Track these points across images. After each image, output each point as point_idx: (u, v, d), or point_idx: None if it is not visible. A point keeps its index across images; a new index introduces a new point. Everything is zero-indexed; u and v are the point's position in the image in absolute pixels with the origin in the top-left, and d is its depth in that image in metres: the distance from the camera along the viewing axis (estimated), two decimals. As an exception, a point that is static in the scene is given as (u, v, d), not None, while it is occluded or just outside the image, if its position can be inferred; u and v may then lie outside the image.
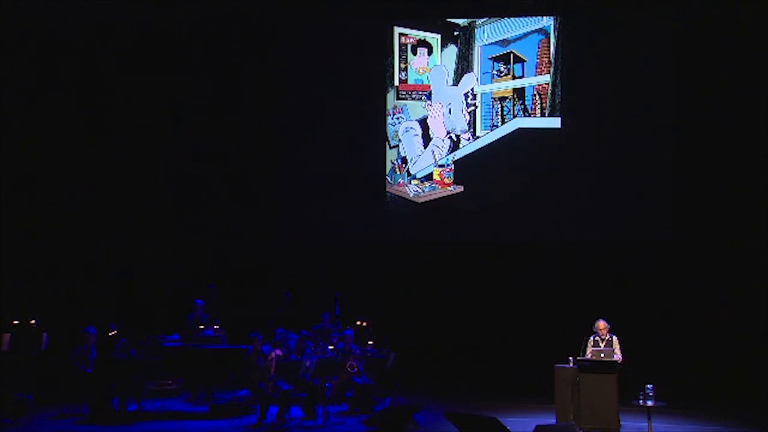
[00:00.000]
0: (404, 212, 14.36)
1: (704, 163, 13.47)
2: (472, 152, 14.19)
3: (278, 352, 10.77)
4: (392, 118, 14.43)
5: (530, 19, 14.04)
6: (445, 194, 14.25)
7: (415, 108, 14.40)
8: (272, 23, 14.63)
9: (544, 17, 14.00)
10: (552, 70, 13.94)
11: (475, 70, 14.17)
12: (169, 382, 12.08)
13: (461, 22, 14.23)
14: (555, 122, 13.93)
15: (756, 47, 13.23)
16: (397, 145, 14.41)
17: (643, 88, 13.76)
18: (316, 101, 14.63)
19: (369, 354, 11.75)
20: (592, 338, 10.30)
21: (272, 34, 14.67)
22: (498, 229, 14.07)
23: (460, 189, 14.19)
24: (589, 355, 10.14)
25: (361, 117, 14.50)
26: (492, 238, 14.06)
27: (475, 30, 14.21)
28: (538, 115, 14.02)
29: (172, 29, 14.31)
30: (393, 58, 14.41)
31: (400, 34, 14.40)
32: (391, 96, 14.43)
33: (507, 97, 14.12)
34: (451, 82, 14.24)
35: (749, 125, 13.35)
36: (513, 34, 14.10)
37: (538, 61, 14.03)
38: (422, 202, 14.32)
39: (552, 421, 10.10)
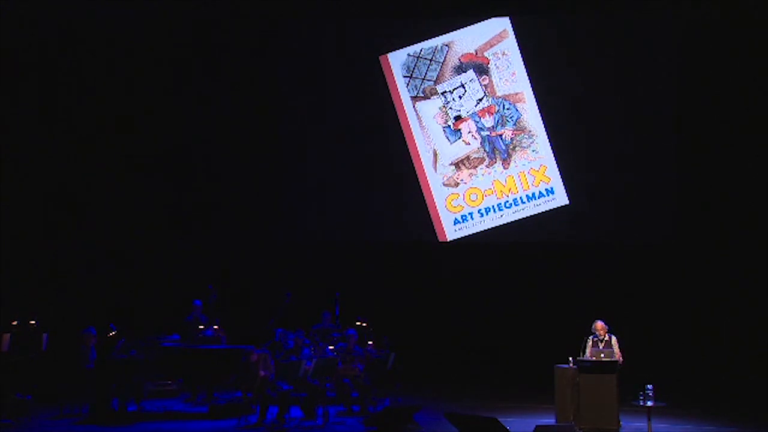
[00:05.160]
0: (406, 213, 14.37)
1: (704, 165, 13.48)
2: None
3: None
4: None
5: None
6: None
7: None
8: (281, 23, 14.64)
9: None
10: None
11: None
12: (169, 382, 12.07)
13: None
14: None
15: (756, 47, 13.24)
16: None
17: (643, 89, 13.77)
18: (316, 101, 14.64)
19: (369, 354, 11.75)
20: (591, 339, 10.30)
21: (272, 36, 14.70)
22: (498, 229, 14.07)
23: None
24: (588, 356, 10.15)
25: (361, 119, 14.51)
26: (492, 238, 14.06)
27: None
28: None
29: (186, 34, 14.39)
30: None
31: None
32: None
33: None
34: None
35: (749, 126, 13.36)
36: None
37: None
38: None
39: (552, 421, 10.11)
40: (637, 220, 13.75)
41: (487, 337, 13.66)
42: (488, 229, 14.07)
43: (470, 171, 14.17)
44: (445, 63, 14.30)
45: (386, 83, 14.44)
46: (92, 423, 10.43)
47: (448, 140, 14.27)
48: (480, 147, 14.17)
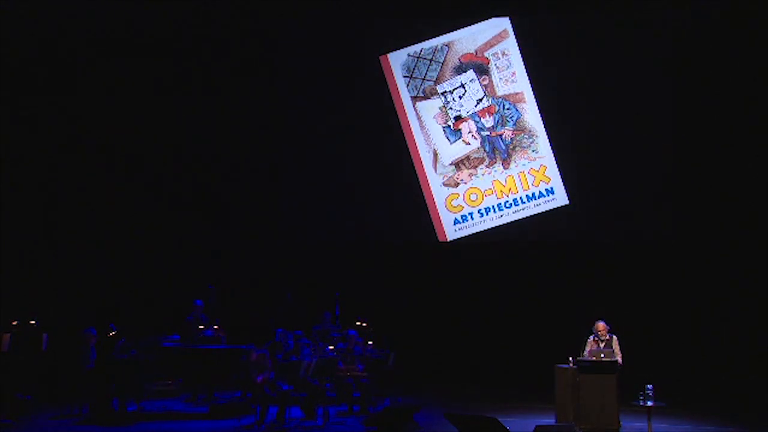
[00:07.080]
0: (406, 213, 14.38)
1: (704, 165, 13.49)
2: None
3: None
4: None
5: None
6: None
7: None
8: (281, 23, 14.65)
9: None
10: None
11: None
12: (169, 382, 12.08)
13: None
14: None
15: (755, 47, 13.25)
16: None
17: (642, 89, 13.78)
18: (316, 102, 14.65)
19: (369, 354, 11.75)
20: (591, 338, 10.32)
21: (272, 35, 14.71)
22: (498, 229, 14.07)
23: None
24: (588, 356, 10.15)
25: (361, 119, 14.51)
26: (492, 238, 14.06)
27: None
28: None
29: (188, 34, 14.39)
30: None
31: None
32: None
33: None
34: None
35: (749, 126, 13.37)
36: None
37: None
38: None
39: (552, 421, 10.11)
40: (637, 220, 13.76)
41: (487, 337, 13.66)
42: (488, 229, 14.08)
43: (470, 171, 14.17)
44: (445, 63, 14.31)
45: (386, 83, 14.45)
46: (92, 423, 10.42)
47: (448, 140, 14.28)
48: (480, 147, 14.18)
